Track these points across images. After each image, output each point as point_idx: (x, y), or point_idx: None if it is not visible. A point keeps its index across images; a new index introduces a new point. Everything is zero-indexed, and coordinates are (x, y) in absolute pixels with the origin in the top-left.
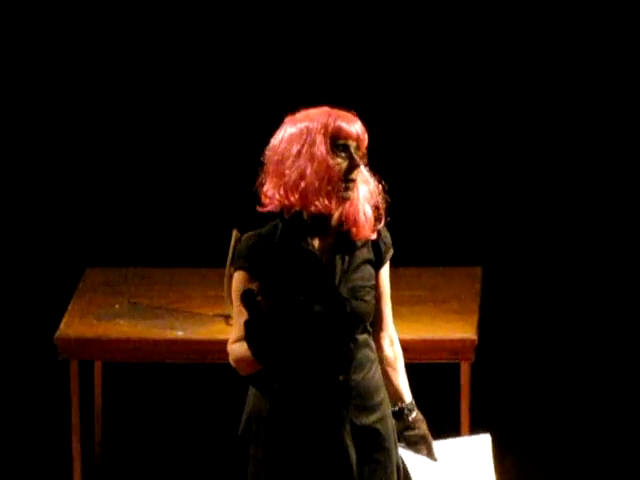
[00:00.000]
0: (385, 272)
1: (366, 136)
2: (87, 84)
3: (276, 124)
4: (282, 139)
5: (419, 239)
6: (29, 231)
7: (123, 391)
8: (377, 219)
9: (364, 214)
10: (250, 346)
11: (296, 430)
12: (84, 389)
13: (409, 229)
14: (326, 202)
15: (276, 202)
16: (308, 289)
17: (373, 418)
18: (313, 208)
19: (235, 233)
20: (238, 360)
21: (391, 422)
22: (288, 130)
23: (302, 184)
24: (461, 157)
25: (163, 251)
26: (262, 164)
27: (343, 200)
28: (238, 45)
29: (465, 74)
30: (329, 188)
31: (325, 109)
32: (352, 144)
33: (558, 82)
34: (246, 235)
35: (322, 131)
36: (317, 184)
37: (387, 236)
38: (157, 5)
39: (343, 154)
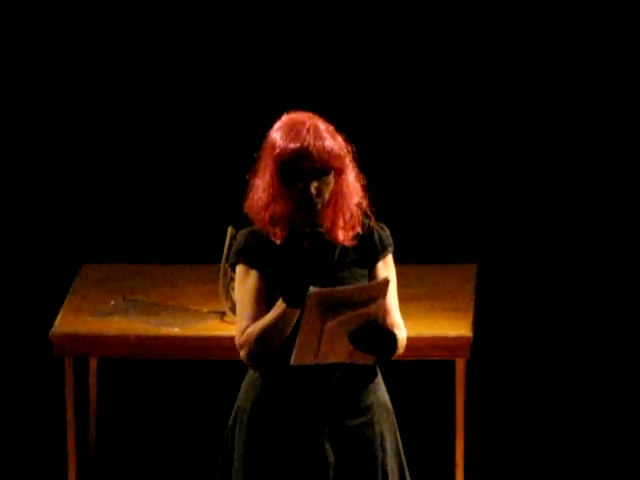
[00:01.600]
0: (382, 268)
1: (337, 152)
2: (85, 81)
3: (272, 121)
4: (263, 146)
5: (415, 237)
6: (25, 227)
7: (118, 388)
8: (366, 217)
9: (346, 217)
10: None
11: (276, 428)
12: (79, 386)
13: (404, 227)
14: (275, 231)
15: (245, 210)
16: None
17: (359, 421)
18: (265, 231)
19: (230, 230)
20: (260, 339)
21: (380, 428)
22: (268, 137)
23: (255, 207)
24: (457, 155)
25: (159, 247)
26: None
27: (308, 219)
28: (232, 43)
29: (462, 72)
30: (276, 219)
31: (302, 125)
32: (307, 170)
33: (552, 78)
34: (240, 232)
35: (276, 153)
36: (265, 211)
37: (383, 235)
38: (155, 5)
39: (295, 183)
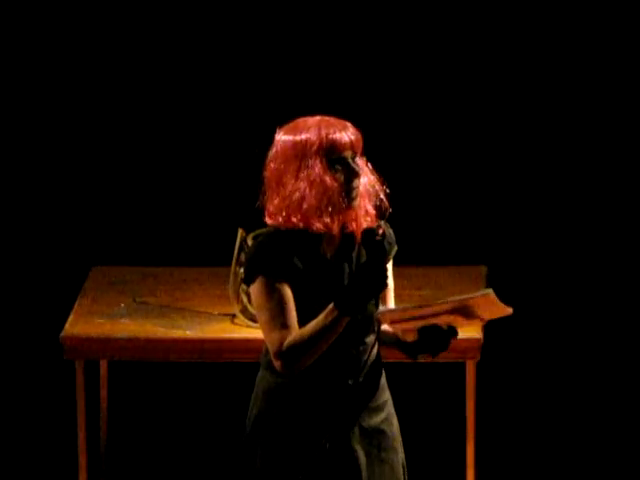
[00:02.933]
0: (389, 267)
1: (360, 137)
2: (94, 83)
3: (278, 123)
4: (277, 157)
5: (424, 238)
6: (35, 230)
7: (129, 390)
8: (382, 211)
9: (365, 213)
10: (356, 288)
11: (305, 433)
12: (90, 388)
13: (414, 228)
14: (328, 221)
15: (280, 222)
16: (318, 292)
17: (379, 418)
18: (315, 228)
19: (241, 232)
20: (306, 348)
21: (396, 421)
22: (282, 145)
23: (304, 206)
24: (467, 156)
25: (169, 250)
26: (262, 182)
27: (349, 211)
28: (239, 45)
29: (469, 73)
30: (330, 208)
31: (315, 121)
32: (348, 154)
33: (562, 81)
34: (255, 240)
35: (315, 149)
36: (318, 205)
37: (390, 233)
38: (156, 6)
39: (340, 167)
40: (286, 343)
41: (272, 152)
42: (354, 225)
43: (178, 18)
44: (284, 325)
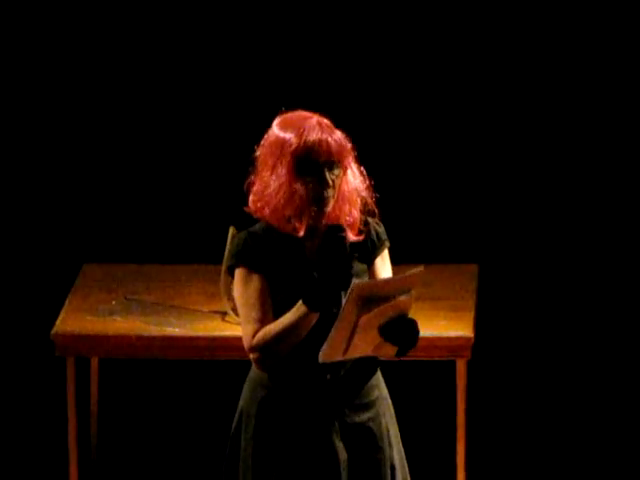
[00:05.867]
0: (380, 264)
1: (347, 147)
2: (85, 83)
3: (271, 121)
4: (264, 144)
5: (415, 236)
6: (26, 227)
7: (119, 387)
8: (369, 214)
9: (348, 217)
10: (321, 283)
11: (285, 428)
12: (81, 385)
13: (405, 226)
14: (295, 225)
15: (254, 212)
16: (297, 288)
17: (365, 416)
18: (282, 228)
19: (232, 230)
20: (276, 342)
21: (386, 420)
22: (270, 135)
23: (272, 204)
24: (457, 154)
25: (160, 247)
26: (253, 163)
27: (317, 219)
28: (230, 44)
29: (461, 71)
30: (295, 212)
31: (307, 121)
32: (324, 163)
33: (554, 79)
34: (238, 234)
35: (292, 150)
36: (284, 207)
37: (380, 230)
38: (154, 6)
39: (312, 175)
40: (256, 337)
41: (264, 137)
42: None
43: (168, 15)
44: (257, 319)
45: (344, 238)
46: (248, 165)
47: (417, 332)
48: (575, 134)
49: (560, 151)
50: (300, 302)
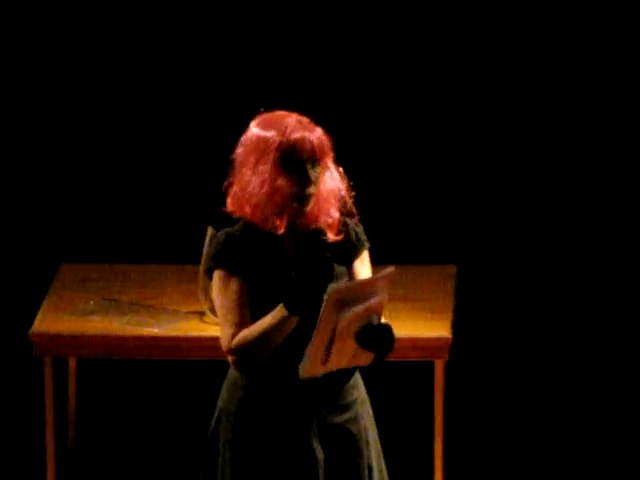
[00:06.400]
0: (359, 265)
1: (328, 145)
2: (64, 78)
3: (248, 121)
4: (243, 146)
5: (394, 237)
6: (2, 226)
7: (98, 387)
8: (348, 215)
9: (328, 217)
10: (301, 287)
11: (263, 428)
12: (58, 385)
13: (384, 227)
14: (277, 222)
15: (234, 211)
16: (276, 290)
17: (344, 417)
18: (262, 226)
19: (210, 230)
20: (254, 345)
21: (365, 422)
22: (250, 134)
23: (253, 201)
24: (436, 155)
25: (138, 247)
26: (232, 164)
27: (297, 217)
28: (207, 45)
29: (442, 70)
30: (278, 209)
31: (287, 119)
32: (307, 160)
33: (534, 75)
34: (217, 234)
35: (275, 147)
36: (266, 204)
37: (359, 231)
38: (141, 4)
39: (296, 172)
40: (235, 340)
41: (242, 138)
42: (315, 226)
43: (155, 13)
44: (235, 322)
45: (324, 241)
46: (226, 165)
47: (392, 337)
48: (552, 134)
49: (539, 151)
50: (280, 305)
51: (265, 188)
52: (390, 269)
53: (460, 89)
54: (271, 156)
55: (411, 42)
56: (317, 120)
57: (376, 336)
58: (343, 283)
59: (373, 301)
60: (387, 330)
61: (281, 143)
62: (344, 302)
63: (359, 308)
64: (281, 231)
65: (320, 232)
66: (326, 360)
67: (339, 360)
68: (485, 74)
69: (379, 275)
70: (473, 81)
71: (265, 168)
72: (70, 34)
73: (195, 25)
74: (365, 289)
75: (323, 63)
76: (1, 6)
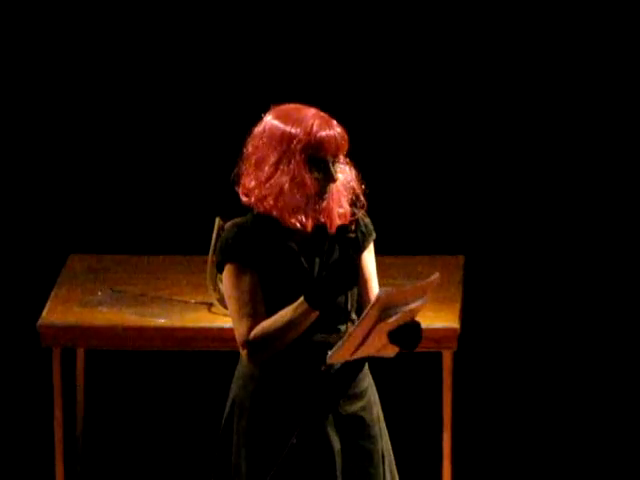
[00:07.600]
0: (366, 257)
1: (346, 139)
2: (65, 77)
3: (257, 113)
4: (263, 136)
5: (401, 228)
6: (11, 218)
7: (105, 378)
8: (358, 207)
9: (340, 208)
10: (328, 283)
11: (279, 419)
12: (66, 376)
13: (391, 218)
14: (303, 219)
15: (254, 199)
16: (287, 283)
17: (358, 406)
18: (290, 224)
19: (218, 221)
20: (273, 338)
21: (377, 409)
22: (270, 128)
23: (281, 200)
24: (443, 146)
25: (146, 238)
26: (242, 153)
27: (317, 212)
28: (211, 39)
29: (446, 66)
30: (307, 207)
31: (309, 114)
32: (330, 157)
33: (538, 75)
34: (226, 227)
35: (302, 146)
36: (296, 203)
37: (367, 223)
38: (140, 3)
39: (319, 168)
40: (253, 333)
41: (258, 130)
42: (327, 219)
43: (160, 7)
44: (251, 315)
45: (351, 239)
46: (233, 156)
47: (421, 335)
48: (557, 127)
49: (544, 144)
50: (301, 299)
51: (295, 188)
52: (436, 275)
53: (466, 82)
54: (297, 154)
55: (417, 38)
56: (324, 111)
57: (408, 334)
58: (394, 287)
59: (415, 305)
60: (418, 328)
61: (309, 142)
62: (390, 303)
63: (403, 312)
64: (309, 228)
65: (347, 229)
66: (355, 352)
67: (367, 350)
68: (488, 68)
69: (426, 281)
70: (477, 75)
71: (291, 165)
72: (73, 31)
73: (201, 19)
74: (410, 294)
75: (329, 56)
76: (1, 6)
